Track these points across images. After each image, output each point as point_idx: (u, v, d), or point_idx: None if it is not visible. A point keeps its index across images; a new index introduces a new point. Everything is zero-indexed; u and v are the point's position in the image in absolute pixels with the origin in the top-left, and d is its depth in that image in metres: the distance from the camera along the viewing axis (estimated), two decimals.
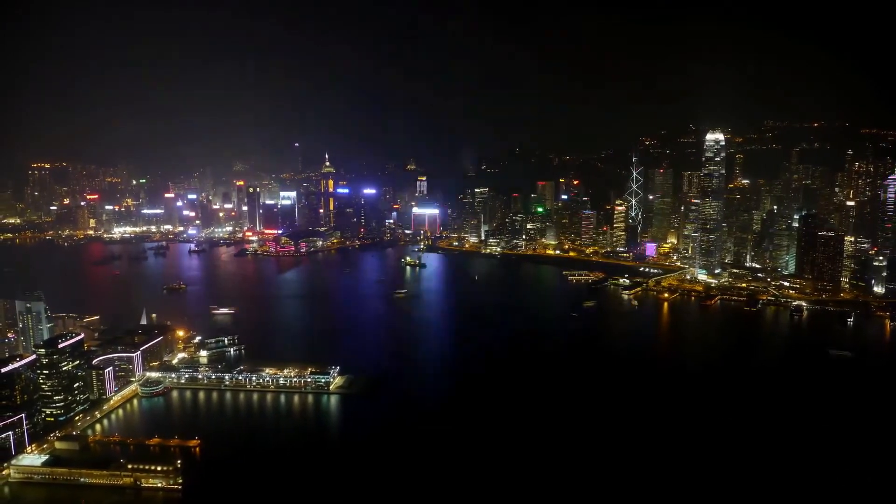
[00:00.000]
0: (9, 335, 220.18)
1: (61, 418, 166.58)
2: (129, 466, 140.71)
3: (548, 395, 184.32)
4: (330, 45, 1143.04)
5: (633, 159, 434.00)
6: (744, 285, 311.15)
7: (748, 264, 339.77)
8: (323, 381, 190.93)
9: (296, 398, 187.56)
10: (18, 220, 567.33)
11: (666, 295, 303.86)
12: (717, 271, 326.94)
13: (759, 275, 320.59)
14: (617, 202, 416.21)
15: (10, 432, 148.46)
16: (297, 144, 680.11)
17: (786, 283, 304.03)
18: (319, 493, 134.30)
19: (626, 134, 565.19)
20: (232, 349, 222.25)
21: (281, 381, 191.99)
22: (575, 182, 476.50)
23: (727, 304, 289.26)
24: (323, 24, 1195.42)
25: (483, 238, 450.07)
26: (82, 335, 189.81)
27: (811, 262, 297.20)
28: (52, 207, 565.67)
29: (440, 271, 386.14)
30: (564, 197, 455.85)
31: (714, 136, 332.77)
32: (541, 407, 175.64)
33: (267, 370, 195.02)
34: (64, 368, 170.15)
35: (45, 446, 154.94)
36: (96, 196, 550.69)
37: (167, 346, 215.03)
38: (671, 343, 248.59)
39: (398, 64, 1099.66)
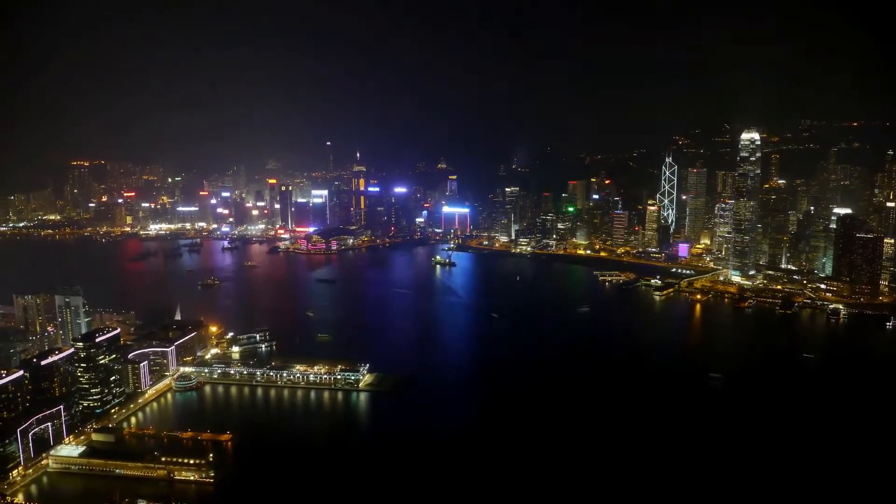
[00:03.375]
0: (48, 329, 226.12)
1: (98, 411, 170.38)
2: (163, 459, 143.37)
3: (581, 397, 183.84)
4: (361, 43, 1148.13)
5: (667, 159, 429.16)
6: (779, 287, 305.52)
7: (784, 266, 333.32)
8: (353, 378, 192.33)
9: (326, 395, 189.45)
10: (58, 217, 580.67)
11: (698, 296, 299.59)
12: (752, 273, 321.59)
13: (795, 277, 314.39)
14: (649, 202, 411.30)
15: (49, 424, 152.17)
16: (328, 143, 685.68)
17: (822, 286, 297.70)
18: (348, 489, 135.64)
19: (659, 133, 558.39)
20: (264, 345, 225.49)
21: (311, 377, 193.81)
22: (607, 181, 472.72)
23: (761, 306, 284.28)
24: (355, 20, 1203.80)
25: (513, 237, 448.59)
26: (119, 330, 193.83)
27: (849, 265, 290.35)
28: (90, 204, 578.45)
29: (470, 270, 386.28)
30: (596, 196, 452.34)
31: (749, 136, 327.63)
32: (571, 410, 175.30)
33: (298, 367, 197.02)
34: (101, 362, 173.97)
35: (82, 438, 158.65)
36: (133, 193, 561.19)
37: (200, 341, 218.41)
38: (701, 346, 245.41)
39: (433, 60, 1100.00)
